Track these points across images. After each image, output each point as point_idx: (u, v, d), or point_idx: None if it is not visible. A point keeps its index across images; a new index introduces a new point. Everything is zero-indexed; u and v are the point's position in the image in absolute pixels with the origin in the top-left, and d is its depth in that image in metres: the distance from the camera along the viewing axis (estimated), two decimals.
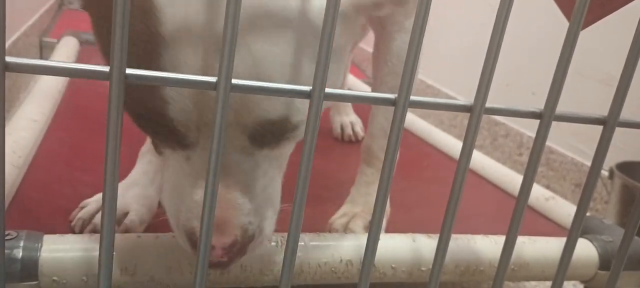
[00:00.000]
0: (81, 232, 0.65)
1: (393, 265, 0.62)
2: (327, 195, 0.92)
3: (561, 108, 0.38)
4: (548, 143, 1.36)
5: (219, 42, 0.39)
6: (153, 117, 0.43)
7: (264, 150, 0.47)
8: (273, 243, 0.59)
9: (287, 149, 0.52)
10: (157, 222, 0.67)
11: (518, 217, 0.40)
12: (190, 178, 0.46)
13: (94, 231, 0.65)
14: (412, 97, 0.34)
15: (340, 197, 0.81)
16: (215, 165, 0.31)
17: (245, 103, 0.42)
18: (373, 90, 0.84)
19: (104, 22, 0.44)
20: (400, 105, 0.34)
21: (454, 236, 0.67)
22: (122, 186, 0.68)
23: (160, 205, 0.62)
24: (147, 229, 0.67)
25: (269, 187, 0.49)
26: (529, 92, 1.46)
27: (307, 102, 0.36)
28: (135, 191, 0.68)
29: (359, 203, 0.79)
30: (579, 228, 0.42)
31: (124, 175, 0.71)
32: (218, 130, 0.31)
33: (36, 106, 0.97)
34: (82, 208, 0.68)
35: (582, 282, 0.75)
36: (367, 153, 0.80)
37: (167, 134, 0.45)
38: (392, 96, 0.34)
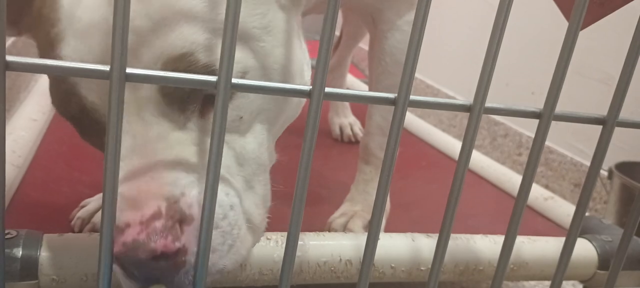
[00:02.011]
0: (80, 231, 0.65)
1: (392, 265, 0.63)
2: (326, 194, 0.92)
3: (560, 108, 0.38)
4: (547, 143, 1.36)
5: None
6: (79, 115, 0.41)
7: (194, 117, 0.41)
8: (273, 243, 0.59)
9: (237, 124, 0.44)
10: None
11: (517, 216, 0.40)
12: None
13: (93, 230, 0.65)
14: (412, 97, 0.34)
15: (340, 196, 0.81)
16: (215, 166, 0.32)
17: (141, 45, 0.37)
18: (369, 90, 0.84)
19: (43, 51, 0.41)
20: (400, 104, 0.34)
21: (453, 235, 0.67)
22: None
23: None
24: None
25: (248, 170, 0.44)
26: (529, 91, 1.46)
27: (214, 38, 0.37)
28: None
29: (358, 201, 0.79)
30: (578, 227, 0.42)
31: None
32: (218, 130, 0.31)
33: (36, 105, 0.97)
34: (83, 207, 0.68)
35: (581, 281, 0.75)
36: (365, 151, 0.80)
37: (97, 131, 0.42)
38: (392, 96, 0.34)
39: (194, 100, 0.40)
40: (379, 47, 0.73)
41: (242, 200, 0.43)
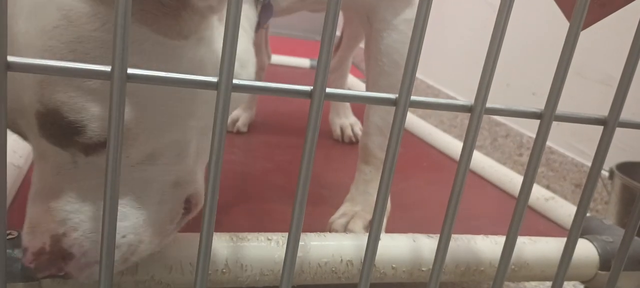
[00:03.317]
0: None
1: (393, 265, 0.62)
2: (327, 194, 0.92)
3: (561, 108, 0.38)
4: (548, 143, 1.36)
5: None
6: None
7: (81, 156, 0.43)
8: (274, 243, 0.59)
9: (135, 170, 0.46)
10: None
11: (518, 217, 0.40)
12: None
13: None
14: (413, 97, 0.34)
15: (341, 197, 0.82)
16: (216, 167, 0.32)
17: (25, 81, 0.39)
18: (366, 91, 0.84)
19: None
20: (401, 105, 0.34)
21: (454, 236, 0.67)
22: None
23: None
24: None
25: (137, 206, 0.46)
26: (530, 92, 1.46)
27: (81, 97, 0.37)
28: None
29: (358, 202, 0.79)
30: (579, 228, 0.42)
31: None
32: (218, 130, 0.31)
33: None
34: None
35: (582, 282, 0.75)
36: (364, 151, 0.80)
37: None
38: (393, 96, 0.34)
39: (70, 143, 0.42)
40: (375, 47, 0.73)
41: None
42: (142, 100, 0.42)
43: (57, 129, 0.40)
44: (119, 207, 0.39)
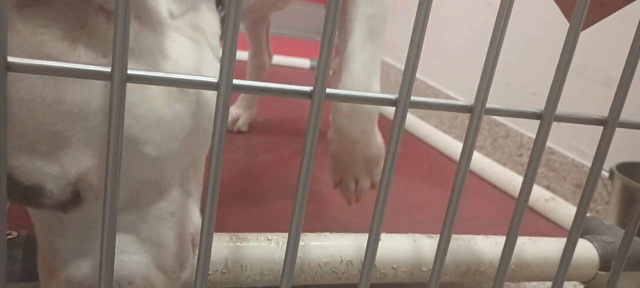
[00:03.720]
0: None
1: (394, 266, 0.63)
2: (327, 194, 0.92)
3: (561, 108, 0.38)
4: (548, 144, 1.36)
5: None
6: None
7: (61, 213, 0.42)
8: (273, 243, 0.59)
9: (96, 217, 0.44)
10: None
11: (518, 217, 0.40)
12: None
13: None
14: (413, 98, 0.34)
15: (341, 197, 0.81)
16: (216, 167, 0.32)
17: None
18: (341, 35, 0.76)
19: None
20: (401, 105, 0.34)
21: (454, 236, 0.67)
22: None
23: None
24: None
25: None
26: (530, 92, 1.46)
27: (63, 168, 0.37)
28: None
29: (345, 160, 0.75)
30: (579, 228, 0.42)
31: None
32: (219, 130, 0.31)
33: None
34: None
35: (583, 282, 0.75)
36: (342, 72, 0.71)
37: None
38: (392, 96, 0.34)
39: (40, 204, 0.40)
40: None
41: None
42: (98, 150, 0.40)
43: (21, 192, 0.39)
44: (116, 254, 0.39)
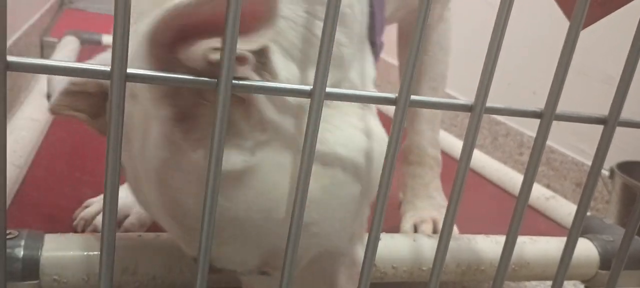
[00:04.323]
0: (83, 231, 0.65)
1: (394, 265, 0.62)
2: None
3: (562, 107, 0.38)
4: (549, 142, 1.35)
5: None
6: None
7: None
8: None
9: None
10: (157, 225, 0.67)
11: (518, 216, 0.40)
12: None
13: (94, 232, 0.65)
14: (413, 97, 0.34)
15: None
16: (216, 167, 0.31)
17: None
18: (403, 84, 0.79)
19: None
20: (401, 104, 0.34)
21: (454, 236, 0.67)
22: (124, 189, 0.68)
23: None
24: (147, 231, 0.67)
25: None
26: (530, 91, 1.46)
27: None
28: None
29: (421, 207, 0.76)
30: (580, 227, 0.42)
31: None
32: (219, 130, 0.31)
33: (37, 106, 0.97)
34: (86, 207, 0.68)
35: (583, 281, 0.75)
36: (415, 152, 0.75)
37: None
38: (392, 96, 0.34)
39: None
40: (426, 39, 0.72)
41: None
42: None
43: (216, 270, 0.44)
44: None
